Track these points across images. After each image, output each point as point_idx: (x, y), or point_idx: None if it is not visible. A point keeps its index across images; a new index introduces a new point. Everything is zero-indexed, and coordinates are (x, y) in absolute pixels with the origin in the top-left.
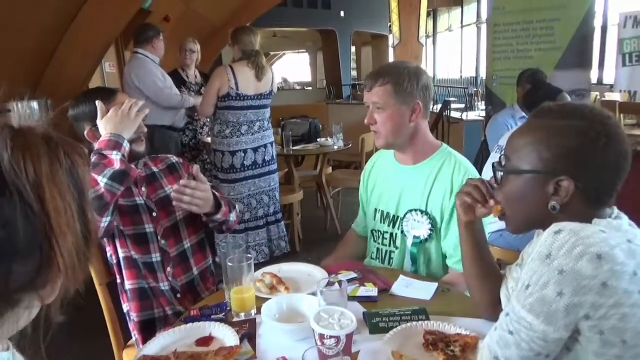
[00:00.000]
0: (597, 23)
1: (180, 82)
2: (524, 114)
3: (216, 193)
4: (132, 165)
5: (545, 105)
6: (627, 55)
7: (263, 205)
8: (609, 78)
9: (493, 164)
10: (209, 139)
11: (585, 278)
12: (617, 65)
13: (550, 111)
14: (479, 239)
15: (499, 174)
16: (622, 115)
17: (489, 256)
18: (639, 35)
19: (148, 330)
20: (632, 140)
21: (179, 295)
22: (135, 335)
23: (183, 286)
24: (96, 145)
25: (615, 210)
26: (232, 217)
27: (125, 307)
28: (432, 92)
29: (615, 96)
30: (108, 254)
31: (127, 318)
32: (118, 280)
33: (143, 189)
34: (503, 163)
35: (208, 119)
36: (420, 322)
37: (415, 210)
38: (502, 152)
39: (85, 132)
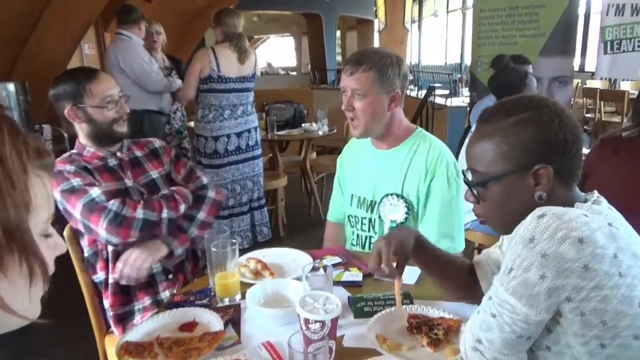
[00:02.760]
0: (581, 11)
1: None
2: None
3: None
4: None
5: (486, 109)
6: (608, 43)
7: (247, 191)
8: (590, 66)
9: (465, 182)
10: (192, 124)
11: (568, 261)
12: (599, 53)
13: (494, 113)
14: (425, 259)
15: (475, 189)
16: (602, 102)
17: (441, 260)
18: (621, 24)
19: (127, 322)
20: (611, 126)
21: (170, 276)
22: (114, 328)
23: (176, 266)
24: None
25: (596, 194)
26: (210, 196)
27: (106, 303)
28: (408, 81)
29: (596, 84)
30: (89, 251)
31: (107, 313)
32: (101, 277)
33: (129, 173)
34: (471, 178)
35: (180, 105)
36: (404, 306)
37: (392, 194)
38: (466, 168)
39: (65, 111)
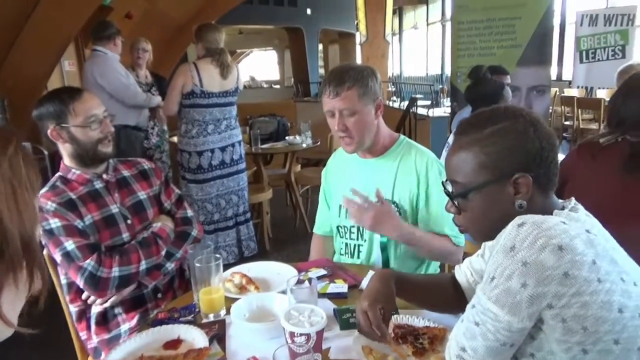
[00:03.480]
0: (556, 21)
1: None
2: None
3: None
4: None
5: (463, 120)
6: (584, 53)
7: (232, 205)
8: (567, 74)
9: (445, 193)
10: (175, 139)
11: (548, 269)
12: (575, 62)
13: (471, 124)
14: (409, 295)
15: (456, 200)
16: (579, 110)
17: (424, 287)
18: (594, 34)
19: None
20: (589, 133)
21: (159, 295)
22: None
23: (165, 285)
24: None
25: (573, 201)
26: (193, 234)
27: (83, 335)
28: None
29: (573, 92)
30: (64, 280)
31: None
32: (74, 309)
33: (116, 195)
34: (451, 189)
35: (155, 122)
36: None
37: None
38: (445, 179)
39: (48, 131)
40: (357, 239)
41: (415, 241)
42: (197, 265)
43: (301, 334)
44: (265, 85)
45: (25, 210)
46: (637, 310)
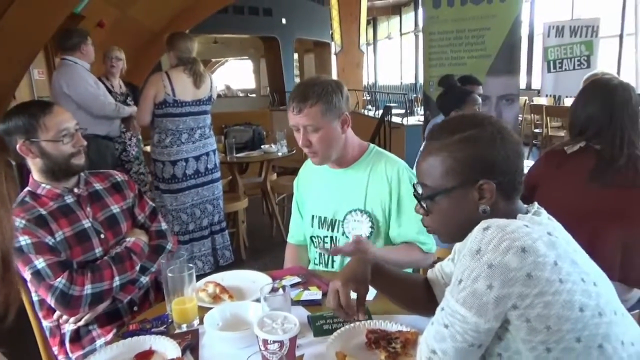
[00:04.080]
0: (525, 32)
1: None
2: None
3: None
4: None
5: (434, 126)
6: (551, 62)
7: (207, 215)
8: (536, 83)
9: (415, 195)
10: (148, 148)
11: (512, 270)
12: (543, 71)
13: (441, 130)
14: (383, 284)
15: (424, 202)
16: (548, 118)
17: (398, 281)
18: (561, 44)
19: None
20: (557, 140)
21: (135, 308)
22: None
23: (141, 297)
24: None
25: (536, 205)
26: (168, 248)
27: (56, 349)
28: (350, 100)
29: (542, 100)
30: (36, 296)
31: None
32: (48, 324)
33: (88, 209)
34: (421, 191)
35: (132, 133)
36: (362, 322)
37: (355, 210)
38: (416, 181)
39: (17, 146)
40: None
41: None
42: (170, 275)
43: (274, 341)
44: (241, 94)
45: (5, 226)
46: (597, 309)
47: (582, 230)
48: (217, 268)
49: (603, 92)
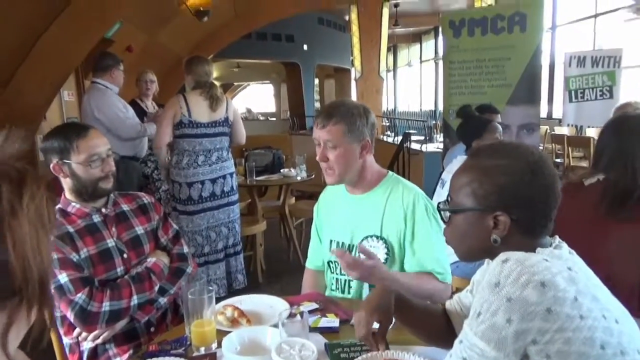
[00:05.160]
0: (546, 61)
1: (141, 113)
2: None
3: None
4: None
5: (481, 146)
6: (572, 92)
7: (222, 238)
8: (557, 113)
9: (438, 204)
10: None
11: (532, 305)
12: (565, 101)
13: (480, 152)
14: (405, 316)
15: (445, 213)
16: (570, 148)
17: (420, 312)
18: (583, 74)
19: None
20: (579, 171)
21: (152, 329)
22: None
23: (158, 318)
24: None
25: (557, 239)
26: (188, 271)
27: None
28: (376, 129)
29: (563, 130)
30: (60, 313)
31: None
32: (68, 341)
33: (113, 229)
34: (448, 202)
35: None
36: (380, 352)
37: (371, 236)
38: (432, 208)
39: (51, 165)
40: (348, 275)
41: (399, 287)
42: (190, 297)
43: None
44: (261, 118)
45: (45, 250)
46: (619, 347)
47: (598, 263)
48: (230, 292)
49: (615, 121)
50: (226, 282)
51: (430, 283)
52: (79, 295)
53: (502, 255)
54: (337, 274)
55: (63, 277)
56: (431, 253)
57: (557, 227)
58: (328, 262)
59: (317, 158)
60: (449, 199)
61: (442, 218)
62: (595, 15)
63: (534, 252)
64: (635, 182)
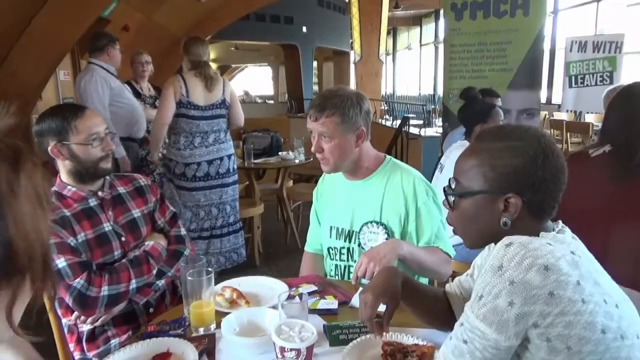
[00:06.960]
0: (547, 46)
1: (135, 94)
2: None
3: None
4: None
5: (486, 129)
6: (573, 78)
7: (211, 218)
8: (557, 98)
9: (444, 188)
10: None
11: (534, 288)
12: (564, 86)
13: (490, 134)
14: (411, 299)
15: (451, 197)
16: (568, 133)
17: (424, 295)
18: (583, 59)
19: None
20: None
21: (151, 310)
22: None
23: (157, 299)
24: None
25: (560, 224)
26: (185, 253)
27: (72, 346)
28: (371, 115)
29: (562, 116)
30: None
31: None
32: (66, 322)
33: (110, 212)
34: (453, 186)
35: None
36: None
37: (371, 222)
38: (452, 176)
39: (49, 148)
40: (347, 260)
41: (411, 257)
42: (189, 278)
43: (291, 349)
44: (259, 101)
45: (43, 226)
46: (618, 332)
47: (597, 229)
48: (225, 270)
49: (621, 91)
50: (222, 259)
51: (438, 253)
52: (77, 280)
53: (506, 239)
54: (336, 260)
55: (61, 262)
56: (437, 232)
57: (563, 198)
58: (328, 249)
59: (312, 149)
60: (454, 182)
61: (448, 203)
62: (598, 0)
63: (538, 236)
64: (637, 149)
